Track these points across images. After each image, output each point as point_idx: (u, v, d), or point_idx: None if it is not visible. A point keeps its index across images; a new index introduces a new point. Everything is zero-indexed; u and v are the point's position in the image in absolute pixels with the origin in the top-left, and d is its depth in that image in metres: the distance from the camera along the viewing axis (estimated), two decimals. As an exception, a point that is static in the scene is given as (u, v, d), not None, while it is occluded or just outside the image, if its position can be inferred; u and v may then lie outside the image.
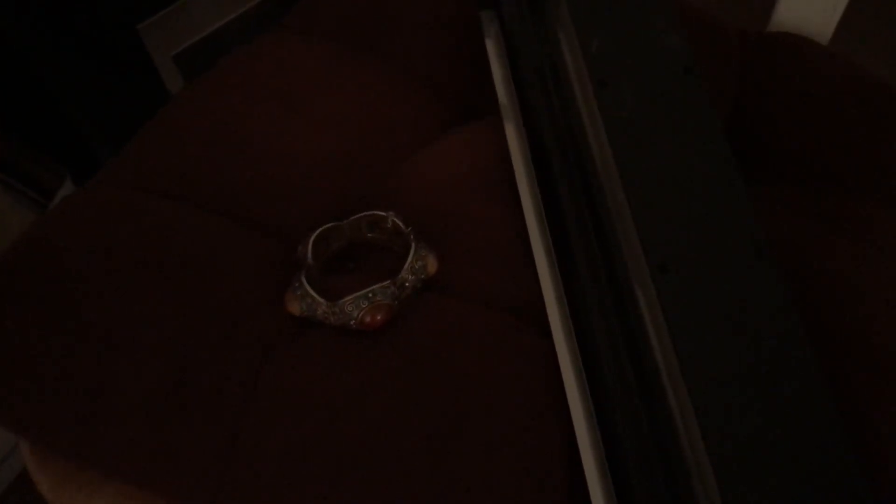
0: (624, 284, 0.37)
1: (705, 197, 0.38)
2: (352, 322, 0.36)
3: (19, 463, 0.75)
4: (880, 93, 0.48)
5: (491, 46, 0.49)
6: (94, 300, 0.35)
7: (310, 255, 0.38)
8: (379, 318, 0.36)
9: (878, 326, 0.38)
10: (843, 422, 0.32)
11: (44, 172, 0.72)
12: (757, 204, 0.44)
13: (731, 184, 0.38)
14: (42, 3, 0.68)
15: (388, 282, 0.36)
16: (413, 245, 0.38)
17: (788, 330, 0.34)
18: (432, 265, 0.38)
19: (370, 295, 0.36)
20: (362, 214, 0.40)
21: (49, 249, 0.37)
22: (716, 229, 0.36)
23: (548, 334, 0.37)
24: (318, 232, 0.39)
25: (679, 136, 0.40)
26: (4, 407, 0.34)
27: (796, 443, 0.31)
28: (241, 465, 0.32)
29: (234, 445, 0.32)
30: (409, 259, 0.37)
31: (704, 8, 0.55)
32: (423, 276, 0.38)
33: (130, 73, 0.77)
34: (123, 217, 0.39)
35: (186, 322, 0.35)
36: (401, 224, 0.39)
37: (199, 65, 0.82)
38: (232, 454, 0.32)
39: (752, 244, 0.36)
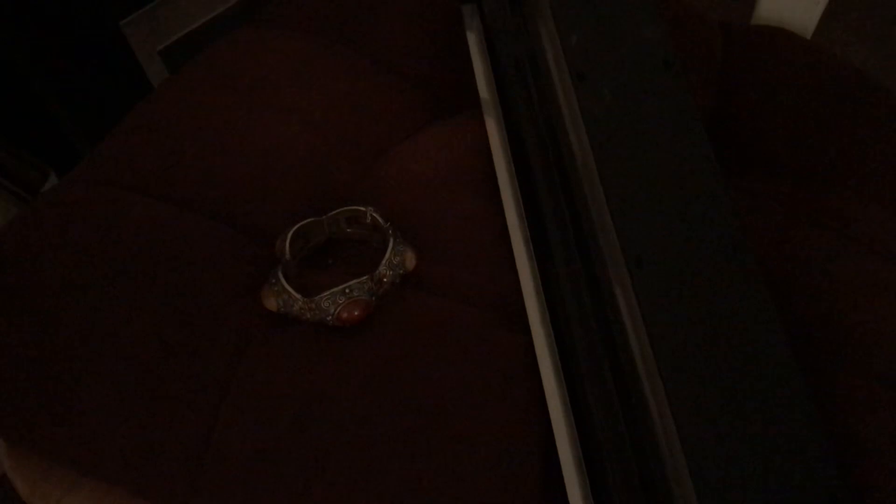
0: (601, 278, 0.37)
1: (683, 191, 0.37)
2: (328, 318, 0.35)
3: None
4: (861, 86, 0.47)
5: (472, 40, 0.48)
6: (68, 298, 0.35)
7: (287, 250, 0.38)
8: (356, 313, 0.35)
9: (854, 319, 0.38)
10: (820, 416, 0.32)
11: (28, 169, 0.72)
12: (736, 197, 0.44)
13: (710, 178, 0.38)
14: (26, 2, 0.68)
15: (366, 277, 0.36)
16: (391, 240, 0.38)
17: (764, 323, 0.34)
18: (410, 260, 0.38)
19: (347, 290, 0.35)
20: (341, 209, 0.40)
21: (24, 247, 0.37)
22: (693, 223, 0.36)
23: (526, 330, 0.37)
24: (295, 227, 0.38)
25: (658, 129, 0.39)
26: (-20, 405, 0.34)
27: (772, 437, 0.31)
28: (215, 463, 0.32)
29: (209, 443, 0.32)
30: (387, 254, 0.37)
31: (687, 2, 0.55)
32: (401, 272, 0.38)
33: (114, 70, 0.77)
34: (99, 213, 0.38)
35: (161, 319, 0.35)
36: (380, 219, 0.39)
37: (186, 59, 0.81)
38: (206, 452, 0.32)
39: (729, 238, 0.36)
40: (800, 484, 0.30)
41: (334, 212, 0.40)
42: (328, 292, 0.35)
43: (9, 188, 0.69)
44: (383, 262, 0.37)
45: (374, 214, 0.39)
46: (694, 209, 0.37)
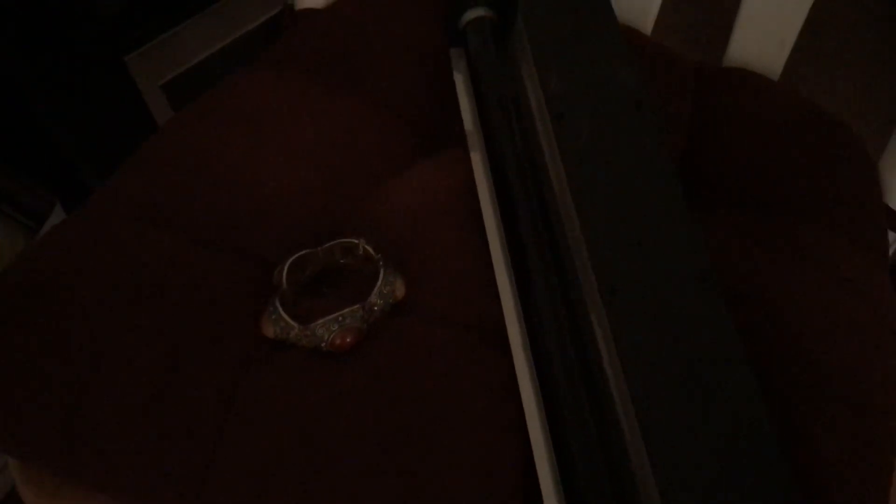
0: (578, 306, 0.40)
1: (654, 224, 0.40)
2: (323, 344, 0.38)
3: (10, 480, 0.76)
4: (824, 125, 0.51)
5: (459, 81, 0.51)
6: (78, 323, 0.37)
7: (284, 280, 0.40)
8: (348, 340, 0.38)
9: (818, 347, 0.40)
10: (780, 437, 0.34)
11: (33, 198, 0.75)
12: (707, 229, 0.47)
13: (678, 212, 0.41)
14: (31, 34, 0.70)
15: (358, 306, 0.39)
16: (382, 270, 0.40)
17: (728, 348, 0.36)
18: (400, 289, 0.41)
19: (340, 319, 0.38)
20: (335, 242, 0.42)
21: (37, 275, 0.39)
22: (663, 255, 0.39)
23: (507, 353, 0.39)
24: (292, 258, 0.41)
25: (630, 166, 0.42)
26: (-6, 425, 0.36)
27: (736, 459, 0.34)
28: (219, 479, 0.34)
29: (213, 459, 0.35)
30: (378, 284, 0.40)
31: (665, 43, 0.58)
32: (391, 301, 0.40)
33: (118, 103, 0.79)
34: (108, 244, 0.41)
35: (167, 342, 0.38)
36: (371, 251, 0.41)
37: (186, 94, 0.84)
38: (210, 468, 0.34)
39: (696, 268, 0.39)
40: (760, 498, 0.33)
41: (329, 243, 0.42)
42: (322, 320, 0.38)
43: (14, 217, 0.71)
44: (374, 291, 0.40)
45: (367, 246, 0.42)
46: (664, 241, 0.40)
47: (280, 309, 0.38)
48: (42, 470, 0.37)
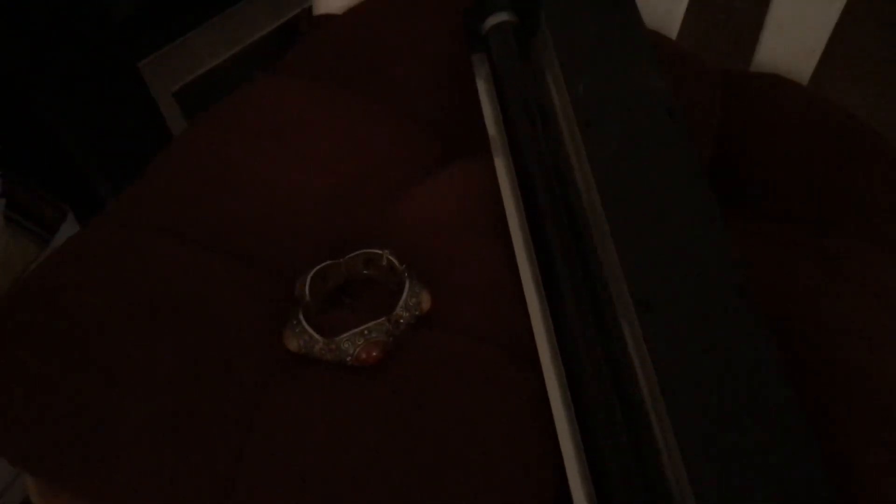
0: (610, 320, 0.39)
1: (687, 235, 0.39)
2: (348, 358, 0.37)
3: (20, 492, 0.75)
4: (855, 132, 0.49)
5: (482, 87, 0.50)
6: (96, 336, 0.36)
7: (307, 292, 0.39)
8: (374, 354, 0.37)
9: (855, 362, 0.39)
10: (824, 458, 0.33)
11: (46, 207, 0.74)
12: (738, 240, 0.46)
13: (712, 222, 0.39)
14: (44, 41, 0.70)
15: (383, 319, 0.38)
16: (407, 282, 0.39)
17: (769, 366, 0.35)
18: (426, 302, 0.40)
19: (366, 332, 0.37)
20: (358, 252, 0.41)
21: (53, 287, 0.38)
22: (697, 267, 0.38)
23: (537, 368, 0.38)
24: (315, 269, 0.40)
25: (662, 175, 0.41)
26: (9, 441, 0.35)
27: (777, 481, 0.32)
28: (241, 497, 0.33)
29: (234, 477, 0.34)
30: (404, 296, 0.39)
31: (689, 48, 0.57)
32: (416, 313, 0.39)
33: (131, 110, 0.79)
34: (126, 255, 0.40)
35: (187, 357, 0.36)
36: (395, 262, 0.40)
37: (198, 101, 0.84)
38: (231, 487, 0.33)
39: (732, 282, 0.37)
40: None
41: (352, 254, 0.41)
42: (348, 334, 0.37)
43: (27, 226, 0.71)
44: (400, 303, 0.38)
45: (391, 257, 0.40)
46: (697, 253, 0.39)
47: (304, 321, 0.37)
48: (58, 488, 0.36)
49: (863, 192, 0.47)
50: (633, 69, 0.46)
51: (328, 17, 0.58)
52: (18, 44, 0.68)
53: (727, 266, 0.38)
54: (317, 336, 0.37)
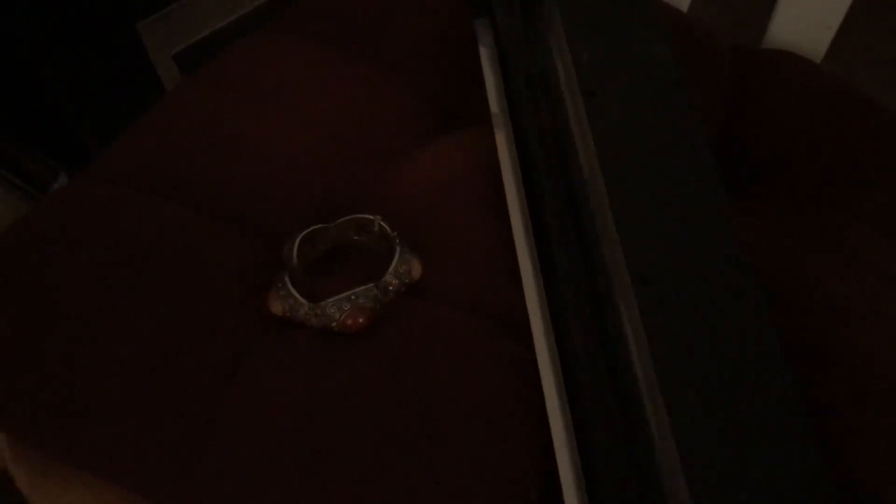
0: (605, 294, 0.37)
1: (689, 209, 0.38)
2: (333, 324, 0.36)
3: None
4: (867, 111, 0.48)
5: (484, 54, 0.49)
6: (74, 294, 0.35)
7: (295, 255, 0.38)
8: (360, 320, 0.36)
9: (854, 340, 0.38)
10: (818, 436, 0.32)
11: (38, 166, 0.73)
12: (742, 217, 0.44)
13: (715, 197, 0.38)
14: (40, 2, 0.68)
15: (371, 285, 0.36)
16: (398, 249, 0.38)
17: (766, 344, 0.34)
18: (417, 270, 0.38)
19: (352, 297, 0.36)
20: (349, 217, 0.40)
21: (33, 243, 0.37)
22: (698, 242, 0.37)
23: (528, 342, 0.37)
24: (303, 233, 0.39)
25: (665, 147, 0.40)
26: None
27: (770, 458, 0.31)
28: (212, 462, 0.32)
29: (207, 442, 0.32)
30: (394, 263, 0.38)
31: (698, 22, 0.55)
32: (406, 281, 0.38)
33: (128, 72, 0.77)
34: (109, 212, 0.39)
35: (166, 318, 0.35)
36: (387, 228, 0.39)
37: (199, 64, 0.82)
38: (204, 451, 0.32)
39: (732, 257, 0.36)
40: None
41: (342, 219, 0.40)
42: (334, 298, 0.36)
43: (19, 185, 0.70)
44: (389, 270, 0.37)
45: (382, 223, 0.39)
46: (699, 228, 0.37)
47: (290, 284, 0.36)
48: (32, 447, 0.35)
49: (870, 171, 0.46)
50: (640, 38, 0.44)
51: (329, -22, 0.56)
52: (14, 2, 0.67)
53: (728, 242, 0.37)
54: (302, 300, 0.36)
